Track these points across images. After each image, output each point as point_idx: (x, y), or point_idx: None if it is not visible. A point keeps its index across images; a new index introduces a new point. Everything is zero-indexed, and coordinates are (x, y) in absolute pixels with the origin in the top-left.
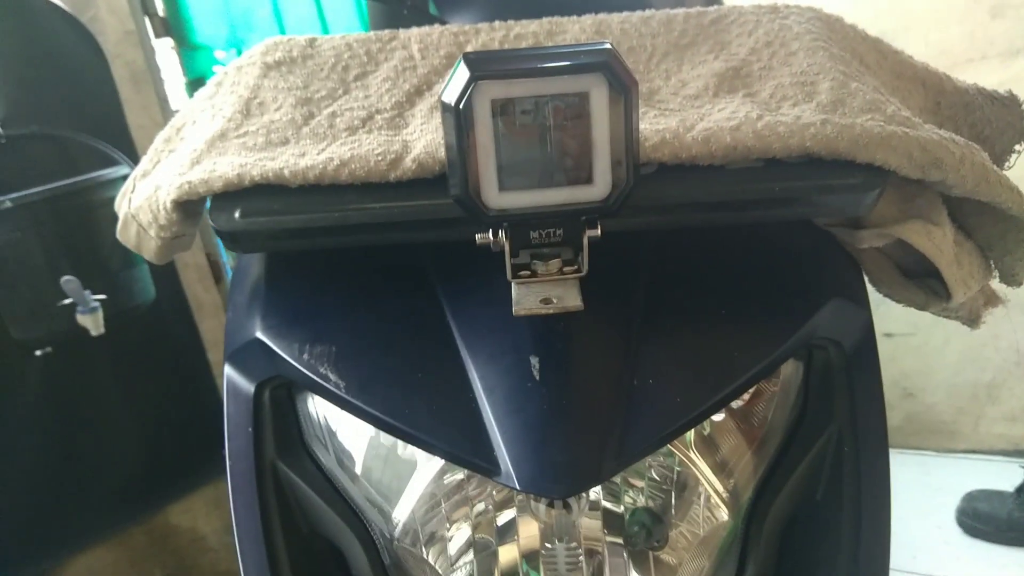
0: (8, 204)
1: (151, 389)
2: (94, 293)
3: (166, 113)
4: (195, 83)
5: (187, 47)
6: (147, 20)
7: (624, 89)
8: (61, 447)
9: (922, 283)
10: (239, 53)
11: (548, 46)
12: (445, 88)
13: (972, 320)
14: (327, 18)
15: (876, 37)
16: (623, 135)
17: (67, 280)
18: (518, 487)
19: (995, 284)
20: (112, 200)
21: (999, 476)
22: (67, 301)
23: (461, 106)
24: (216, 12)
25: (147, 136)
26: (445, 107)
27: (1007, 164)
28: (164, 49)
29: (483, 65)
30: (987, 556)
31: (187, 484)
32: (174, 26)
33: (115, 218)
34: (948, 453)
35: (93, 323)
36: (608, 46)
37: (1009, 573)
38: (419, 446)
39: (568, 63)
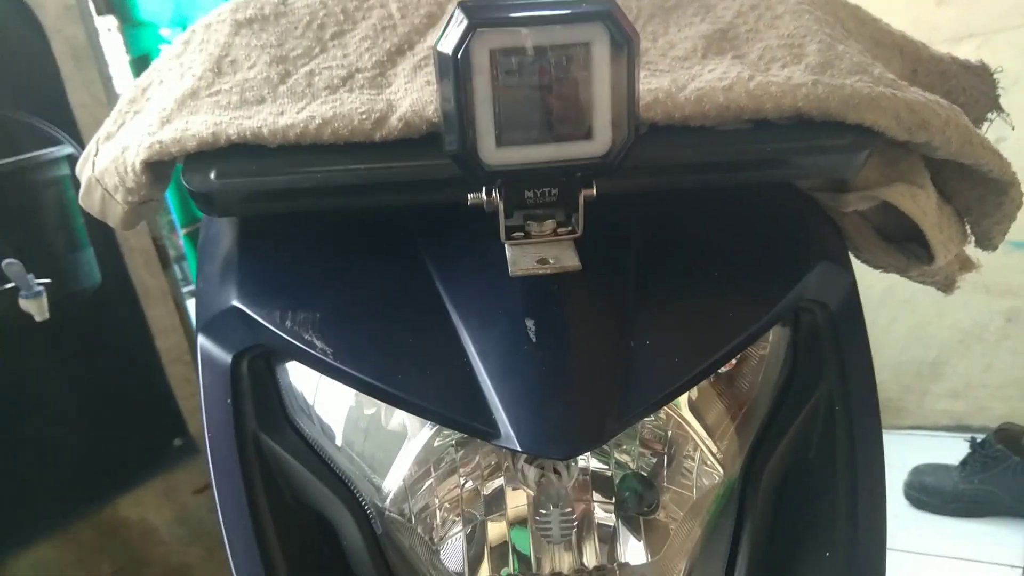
0: None
1: (97, 378)
2: (38, 277)
3: (109, 92)
4: (139, 61)
5: (131, 24)
6: None
7: (626, 40)
8: (2, 438)
9: (902, 247)
10: (184, 30)
11: None
12: (441, 38)
13: (947, 285)
14: None
15: (855, 4)
16: (624, 88)
17: (9, 263)
18: (519, 448)
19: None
20: (55, 180)
21: (944, 451)
22: (9, 285)
23: (459, 55)
24: None
25: (90, 115)
26: (442, 57)
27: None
28: (107, 26)
29: (482, 13)
30: (934, 527)
31: (136, 476)
32: (117, 2)
33: (59, 199)
34: (894, 429)
35: (37, 308)
36: None
37: (955, 542)
38: (413, 411)
39: (569, 11)
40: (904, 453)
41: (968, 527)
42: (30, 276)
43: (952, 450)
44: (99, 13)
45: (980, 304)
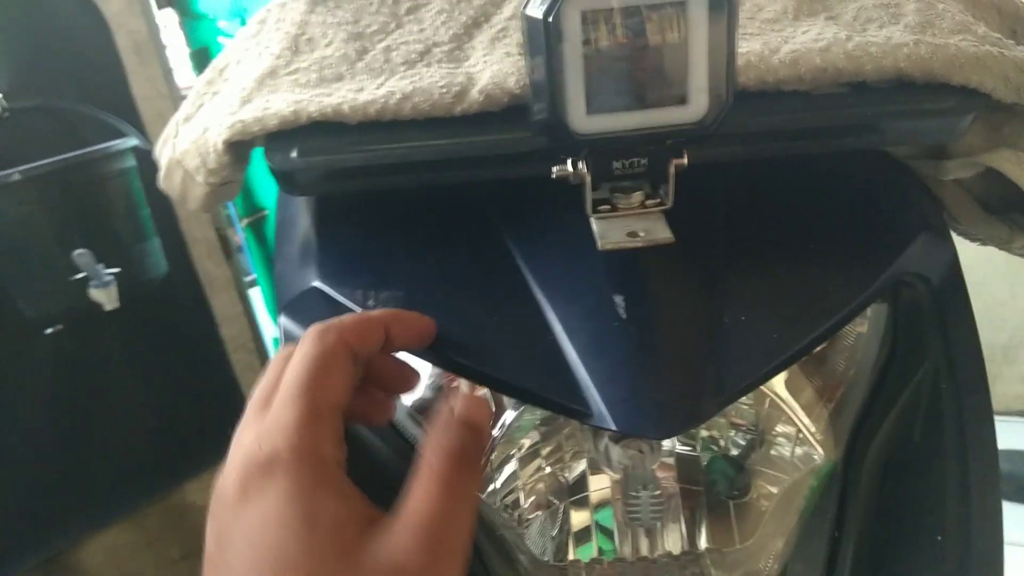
0: (17, 177)
1: (164, 366)
2: (106, 267)
3: (171, 84)
4: (199, 53)
5: (190, 17)
6: None
7: None
8: (73, 427)
9: (1004, 217)
10: (243, 22)
11: None
12: (528, 2)
13: None
14: None
15: None
16: (722, 50)
17: (80, 254)
18: (614, 428)
19: None
20: (121, 172)
21: (1018, 436)
22: (80, 276)
23: (550, 19)
24: None
25: (153, 108)
26: (531, 22)
27: None
28: (167, 19)
29: None
30: (1009, 516)
31: (203, 461)
32: None
33: (125, 190)
34: None
35: (107, 297)
36: None
37: None
38: (503, 391)
39: None
40: None
41: None
42: (100, 266)
43: None
44: (159, 7)
45: None
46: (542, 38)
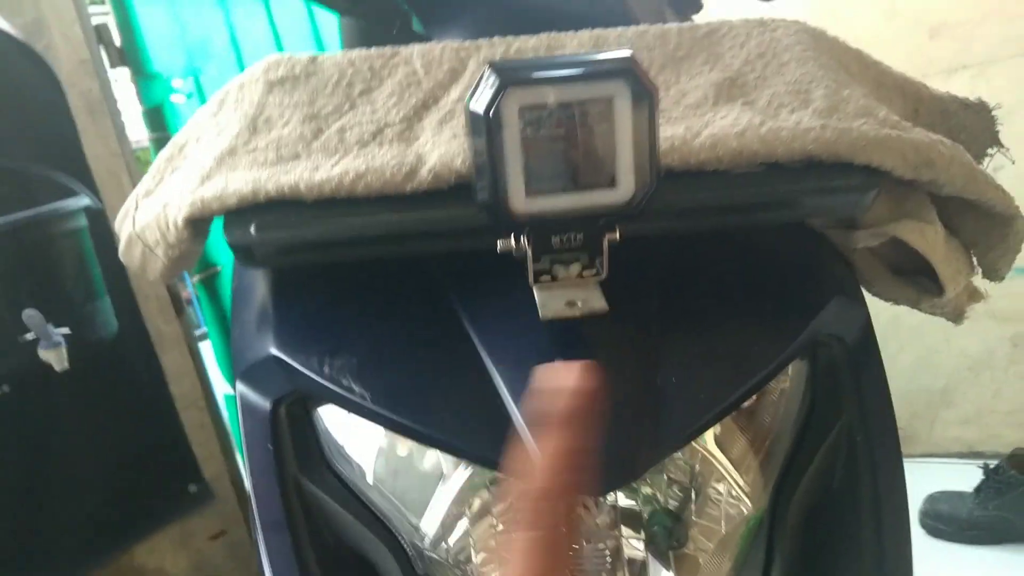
0: None
1: (113, 426)
2: (57, 327)
3: (123, 143)
4: (152, 112)
5: (143, 76)
6: (102, 49)
7: (647, 94)
8: (21, 489)
9: (912, 280)
10: (196, 82)
11: (571, 55)
12: (472, 96)
13: (957, 315)
14: (284, 45)
15: (858, 49)
16: (645, 138)
17: (30, 315)
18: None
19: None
20: (73, 231)
21: (957, 478)
22: (29, 336)
23: (491, 113)
24: (172, 41)
25: (105, 167)
26: (474, 116)
27: (982, 167)
28: (120, 78)
29: (512, 73)
30: (950, 555)
31: (152, 523)
32: (130, 55)
33: (76, 249)
34: (906, 458)
35: (57, 358)
36: (629, 54)
37: (972, 570)
38: (450, 452)
39: (592, 70)
40: (917, 481)
41: (984, 554)
42: (49, 326)
43: (965, 477)
44: (112, 66)
45: (987, 330)
46: (483, 130)
